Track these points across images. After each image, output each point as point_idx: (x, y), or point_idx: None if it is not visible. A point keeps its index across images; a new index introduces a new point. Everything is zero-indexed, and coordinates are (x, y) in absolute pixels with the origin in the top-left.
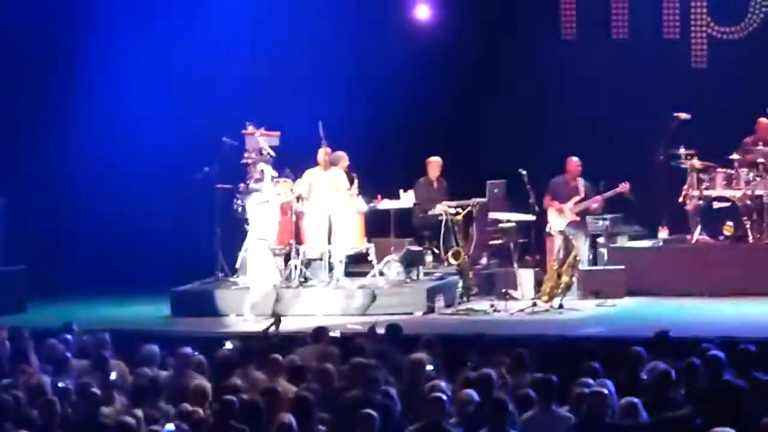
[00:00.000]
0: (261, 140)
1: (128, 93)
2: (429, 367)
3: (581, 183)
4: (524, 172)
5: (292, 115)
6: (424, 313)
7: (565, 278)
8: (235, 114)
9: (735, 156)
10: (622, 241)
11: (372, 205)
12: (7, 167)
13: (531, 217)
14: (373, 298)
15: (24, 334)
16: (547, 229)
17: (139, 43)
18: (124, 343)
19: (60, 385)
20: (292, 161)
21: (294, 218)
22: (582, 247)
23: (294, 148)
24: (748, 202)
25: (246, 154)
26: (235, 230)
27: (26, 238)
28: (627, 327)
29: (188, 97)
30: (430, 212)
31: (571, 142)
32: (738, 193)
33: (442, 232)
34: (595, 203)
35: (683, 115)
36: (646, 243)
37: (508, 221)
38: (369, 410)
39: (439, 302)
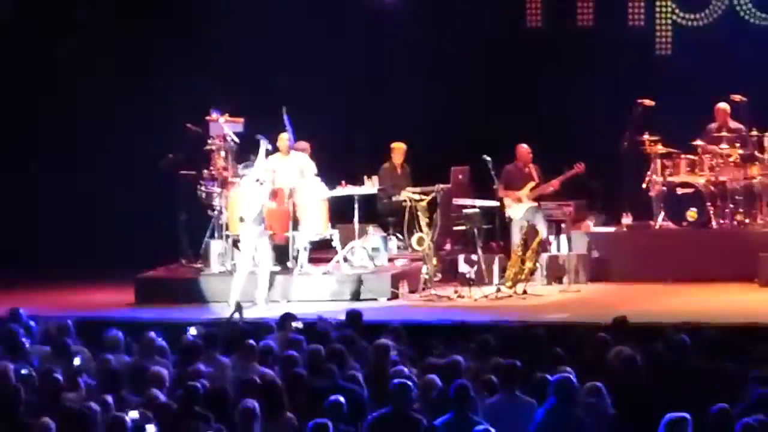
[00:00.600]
0: (225, 126)
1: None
2: (393, 353)
3: (534, 169)
4: (488, 159)
5: (256, 101)
6: (389, 299)
7: (528, 264)
8: (198, 99)
9: (698, 142)
10: (586, 227)
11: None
12: None
13: (495, 204)
14: (353, 284)
15: None
16: (506, 218)
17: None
18: (87, 330)
19: (23, 371)
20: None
21: None
22: (542, 231)
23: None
24: (712, 188)
25: (209, 141)
26: (199, 216)
27: None
28: (591, 313)
29: (151, 83)
30: (394, 198)
31: (535, 129)
32: (701, 180)
33: (406, 218)
34: (551, 187)
35: (647, 102)
36: (610, 229)
37: (473, 207)
38: (337, 397)
39: (404, 288)
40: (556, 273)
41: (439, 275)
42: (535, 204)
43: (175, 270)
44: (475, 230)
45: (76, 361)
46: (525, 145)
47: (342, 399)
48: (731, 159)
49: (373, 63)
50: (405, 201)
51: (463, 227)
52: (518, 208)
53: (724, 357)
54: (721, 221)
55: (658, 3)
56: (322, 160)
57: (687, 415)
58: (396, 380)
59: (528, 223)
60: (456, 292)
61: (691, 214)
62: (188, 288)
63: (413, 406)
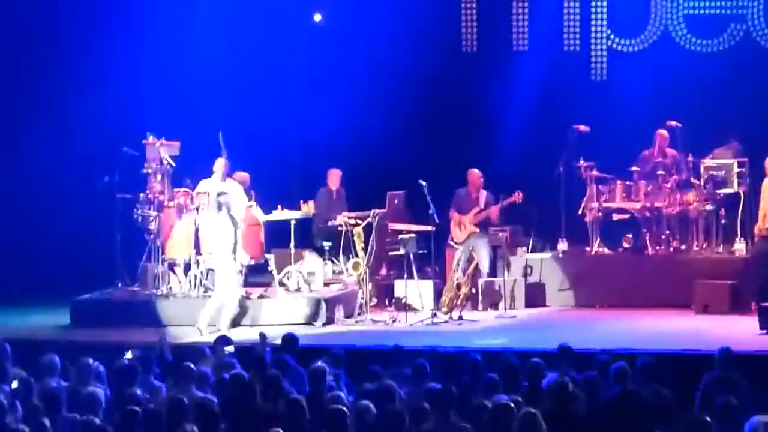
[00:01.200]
0: (161, 150)
1: (29, 100)
2: (329, 378)
3: (483, 195)
4: (424, 183)
5: (193, 125)
6: (324, 324)
7: (464, 289)
8: (135, 123)
9: (634, 168)
10: (522, 253)
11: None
12: None
13: (430, 228)
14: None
15: None
16: (449, 241)
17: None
18: (23, 353)
19: None
20: (192, 172)
21: (193, 229)
22: (483, 259)
23: (194, 158)
24: (647, 213)
25: (146, 164)
26: (135, 240)
27: None
28: (526, 338)
29: (89, 105)
30: (330, 223)
31: (472, 153)
32: (637, 205)
33: (341, 242)
34: (492, 215)
35: (582, 128)
36: (545, 255)
37: (408, 232)
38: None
39: (339, 313)
40: (492, 298)
41: (375, 300)
42: (477, 230)
43: (110, 293)
44: (411, 255)
45: (14, 384)
46: (476, 170)
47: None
48: (667, 185)
49: (310, 87)
50: (341, 226)
51: (398, 252)
52: (461, 234)
53: (660, 384)
54: (657, 247)
55: (593, 28)
56: (259, 183)
57: None
58: (331, 406)
59: (468, 249)
60: (391, 317)
61: (627, 239)
62: (124, 311)
63: None
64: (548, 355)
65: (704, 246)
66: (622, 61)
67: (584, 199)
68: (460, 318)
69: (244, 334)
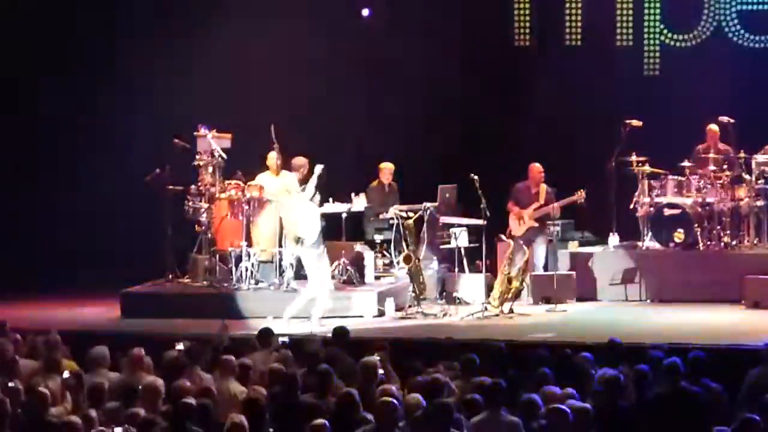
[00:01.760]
0: (212, 142)
1: (78, 94)
2: (380, 371)
3: (543, 189)
4: (475, 177)
5: (244, 118)
6: (375, 317)
7: (515, 283)
8: (186, 115)
9: (686, 163)
10: (573, 247)
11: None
12: None
13: (482, 222)
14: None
15: None
16: (507, 234)
17: None
18: (74, 344)
19: (10, 384)
20: (244, 164)
21: (245, 221)
22: (540, 253)
23: (246, 150)
24: (699, 209)
25: (197, 156)
26: (186, 232)
27: None
28: (577, 333)
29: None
30: (381, 216)
31: (525, 148)
32: (689, 201)
33: (393, 235)
34: (553, 211)
35: (635, 123)
36: (597, 249)
37: (459, 225)
38: (321, 420)
39: (390, 306)
40: (543, 292)
41: (426, 293)
42: (536, 224)
43: (161, 285)
44: (462, 248)
45: (65, 375)
46: (537, 165)
47: (326, 423)
48: (719, 181)
49: (365, 83)
50: (392, 219)
51: (449, 245)
52: (519, 228)
53: (710, 379)
54: (708, 243)
55: (646, 23)
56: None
57: None
58: (381, 399)
59: (522, 243)
60: (442, 310)
61: (678, 235)
62: (174, 303)
63: (398, 425)
64: (598, 349)
65: (755, 241)
66: (674, 56)
67: (636, 193)
68: (511, 311)
69: (298, 328)
